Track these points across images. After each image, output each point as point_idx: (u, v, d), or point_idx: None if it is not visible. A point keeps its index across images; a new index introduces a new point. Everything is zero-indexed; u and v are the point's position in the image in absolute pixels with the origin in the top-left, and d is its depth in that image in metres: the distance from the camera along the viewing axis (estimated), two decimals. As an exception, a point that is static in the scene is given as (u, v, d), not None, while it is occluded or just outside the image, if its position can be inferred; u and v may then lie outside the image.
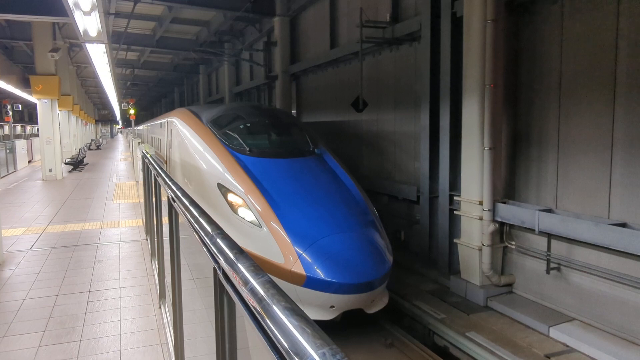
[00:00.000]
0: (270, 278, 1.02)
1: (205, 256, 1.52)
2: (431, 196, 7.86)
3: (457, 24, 6.97)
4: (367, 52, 9.50)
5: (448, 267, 7.32)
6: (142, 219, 8.16)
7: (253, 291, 0.98)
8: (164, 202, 4.01)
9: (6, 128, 44.00)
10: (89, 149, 29.31)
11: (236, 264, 1.16)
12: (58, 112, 15.46)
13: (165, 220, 3.96)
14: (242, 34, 18.46)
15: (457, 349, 5.61)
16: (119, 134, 79.80)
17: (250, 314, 0.98)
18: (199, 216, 1.77)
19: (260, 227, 5.42)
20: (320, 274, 4.89)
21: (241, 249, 1.29)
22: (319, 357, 0.67)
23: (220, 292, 1.39)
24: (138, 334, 3.87)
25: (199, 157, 6.90)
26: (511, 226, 6.33)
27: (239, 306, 1.14)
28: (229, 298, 1.31)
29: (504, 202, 6.24)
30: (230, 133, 6.98)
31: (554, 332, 5.36)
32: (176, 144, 8.64)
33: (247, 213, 5.62)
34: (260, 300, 0.93)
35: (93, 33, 7.59)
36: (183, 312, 2.87)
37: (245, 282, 1.04)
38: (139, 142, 14.72)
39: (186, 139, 7.67)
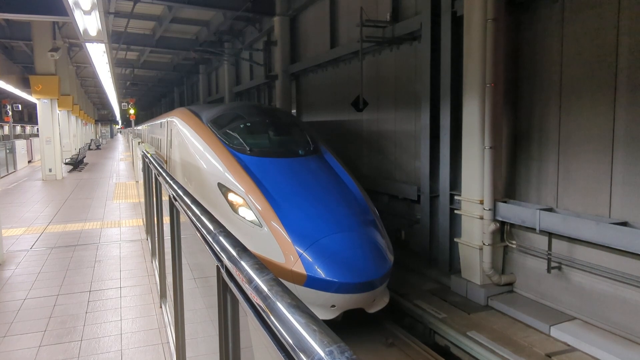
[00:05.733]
0: (274, 276, 1.02)
1: (207, 255, 1.52)
2: (432, 195, 7.85)
3: (457, 23, 6.97)
4: (367, 51, 9.49)
5: (449, 267, 7.31)
6: (143, 219, 8.15)
7: (257, 289, 0.98)
8: (164, 201, 4.00)
9: (6, 128, 43.97)
10: (89, 148, 29.29)
11: (240, 262, 1.15)
12: (58, 112, 15.44)
13: (165, 219, 3.95)
14: (242, 34, 18.44)
15: (458, 348, 5.61)
16: (119, 134, 79.75)
17: (255, 312, 0.98)
18: (201, 214, 1.76)
19: (261, 227, 5.41)
20: (321, 273, 4.88)
21: (244, 246, 1.28)
22: (327, 355, 0.66)
23: (223, 290, 1.38)
24: (139, 334, 3.86)
25: (199, 157, 6.89)
26: (512, 225, 6.33)
27: (242, 304, 1.13)
28: (233, 296, 1.30)
29: (505, 201, 6.24)
30: (231, 132, 6.97)
31: (555, 331, 5.36)
32: (176, 144, 8.64)
33: (247, 212, 5.61)
34: (265, 298, 0.92)
35: (93, 32, 7.59)
36: (184, 312, 2.87)
37: (250, 280, 1.04)
38: (138, 142, 14.71)
39: (186, 139, 7.66)
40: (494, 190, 6.17)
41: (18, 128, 51.86)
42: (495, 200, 6.19)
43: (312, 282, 4.90)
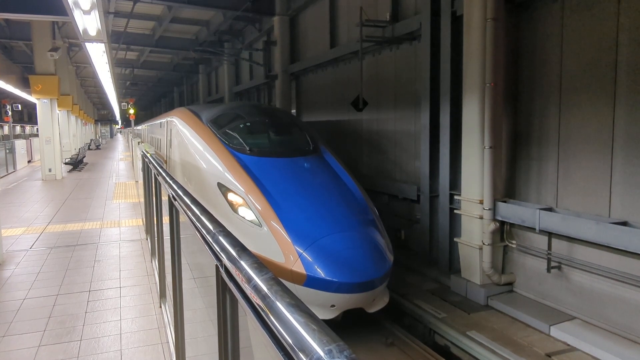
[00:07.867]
0: (273, 275, 1.01)
1: (207, 254, 1.51)
2: (431, 195, 7.85)
3: (457, 22, 6.96)
4: (367, 51, 9.48)
5: (448, 266, 7.31)
6: (142, 219, 8.15)
7: (256, 288, 0.97)
8: (164, 201, 4.00)
9: (6, 128, 43.95)
10: (89, 148, 29.28)
11: (239, 261, 1.15)
12: (57, 112, 15.43)
13: (165, 219, 3.95)
14: (242, 34, 18.44)
15: (458, 348, 5.60)
16: (119, 134, 79.72)
17: (254, 311, 0.97)
18: (201, 214, 1.76)
19: (261, 227, 5.41)
20: (320, 273, 4.88)
21: (243, 246, 1.28)
22: (326, 354, 0.66)
23: (222, 289, 1.38)
24: (139, 334, 3.86)
25: (199, 157, 6.89)
26: (512, 225, 6.32)
27: (241, 303, 1.13)
28: (232, 295, 1.30)
29: (505, 201, 6.23)
30: (230, 132, 6.97)
31: (555, 331, 5.36)
32: (176, 144, 8.63)
33: (247, 212, 5.61)
34: (264, 297, 0.92)
35: (93, 32, 7.57)
36: (184, 311, 2.87)
37: (249, 279, 1.03)
38: (138, 142, 14.70)
39: (186, 139, 7.66)
40: (494, 190, 6.17)
41: (18, 128, 51.83)
42: (495, 200, 6.19)
43: (311, 281, 4.90)
